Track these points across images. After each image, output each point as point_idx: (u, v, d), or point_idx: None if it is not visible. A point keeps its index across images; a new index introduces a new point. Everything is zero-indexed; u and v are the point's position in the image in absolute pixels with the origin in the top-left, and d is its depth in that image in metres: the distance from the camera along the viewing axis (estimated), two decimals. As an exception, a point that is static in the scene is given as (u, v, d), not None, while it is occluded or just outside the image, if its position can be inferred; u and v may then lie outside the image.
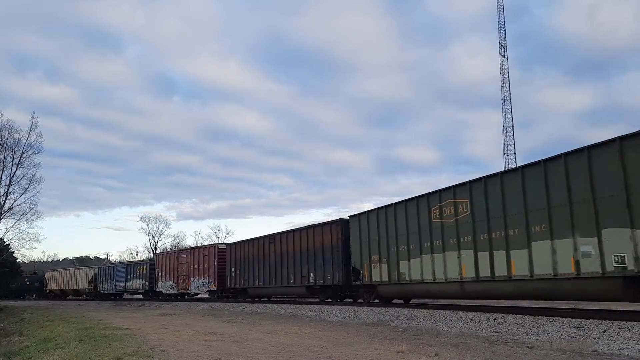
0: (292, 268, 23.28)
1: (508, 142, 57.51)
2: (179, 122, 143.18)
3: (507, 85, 57.47)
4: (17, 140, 35.16)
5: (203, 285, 30.81)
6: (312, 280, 21.86)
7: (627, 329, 9.10)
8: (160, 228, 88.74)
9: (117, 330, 13.14)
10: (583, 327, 9.87)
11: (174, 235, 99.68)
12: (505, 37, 58.14)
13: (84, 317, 20.57)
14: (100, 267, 46.64)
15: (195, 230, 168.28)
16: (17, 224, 35.56)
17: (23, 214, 35.52)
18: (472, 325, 11.92)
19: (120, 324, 15.41)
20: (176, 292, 33.86)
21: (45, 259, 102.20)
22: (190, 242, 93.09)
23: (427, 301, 19.70)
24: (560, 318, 11.05)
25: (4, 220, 35.19)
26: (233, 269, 28.37)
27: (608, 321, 10.00)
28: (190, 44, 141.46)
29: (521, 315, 12.08)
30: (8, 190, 34.79)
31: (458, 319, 12.87)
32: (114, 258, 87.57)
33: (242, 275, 27.49)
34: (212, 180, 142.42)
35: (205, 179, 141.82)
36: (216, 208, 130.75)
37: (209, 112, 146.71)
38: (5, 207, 34.61)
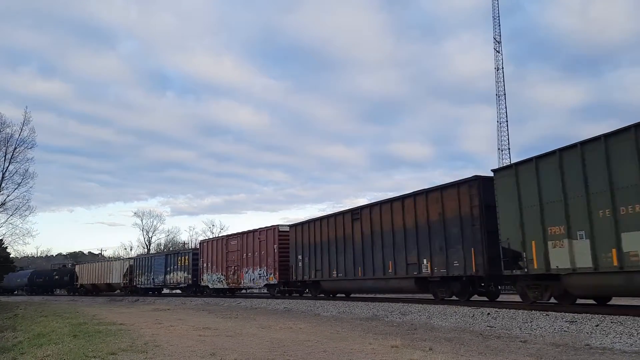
0: (391, 253, 17.16)
1: (502, 138, 57.62)
2: (173, 117, 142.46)
3: (502, 80, 57.55)
4: (9, 135, 34.94)
5: (259, 277, 25.36)
6: (425, 270, 15.76)
7: (619, 323, 9.17)
8: (155, 223, 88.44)
9: (111, 325, 13.11)
10: (576, 321, 9.93)
11: (168, 231, 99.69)
12: (500, 32, 58.17)
13: (77, 312, 20.51)
14: (136, 258, 41.64)
15: (190, 225, 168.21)
16: (10, 219, 35.41)
17: (16, 209, 35.35)
18: (466, 319, 11.97)
19: (114, 319, 15.38)
20: (225, 286, 28.64)
21: (38, 255, 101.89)
22: (184, 237, 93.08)
23: (424, 296, 18.33)
24: (553, 313, 11.12)
25: (-2, 216, 34.96)
26: (300, 257, 22.60)
27: (601, 315, 10.07)
28: (185, 39, 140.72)
29: (515, 310, 12.14)
30: (1, 185, 34.60)
31: (452, 313, 12.92)
32: (107, 254, 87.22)
33: (313, 264, 21.65)
34: (206, 175, 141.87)
35: (200, 174, 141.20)
36: (210, 203, 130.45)
37: (203, 107, 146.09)
38: (-1, 203, 34.37)
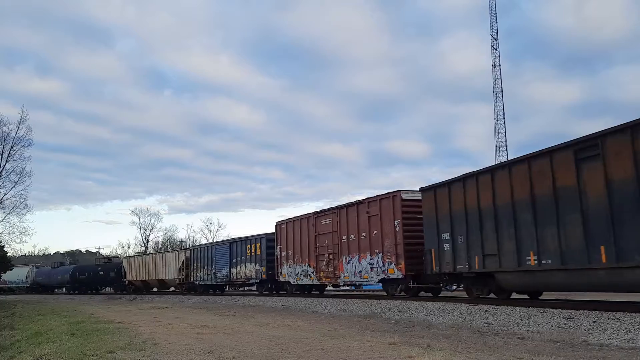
0: None
1: (500, 135, 57.74)
2: (170, 115, 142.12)
3: (499, 77, 57.63)
4: (6, 134, 34.84)
5: (371, 268, 17.62)
6: None
7: (616, 320, 9.20)
8: (152, 221, 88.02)
9: (109, 324, 13.10)
10: (573, 318, 9.96)
11: (165, 229, 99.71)
12: (497, 29, 58.20)
13: (75, 310, 20.49)
14: (194, 249, 34.35)
15: (187, 223, 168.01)
16: (7, 217, 35.30)
17: (13, 207, 35.26)
18: (464, 316, 12.00)
19: (112, 317, 15.37)
20: (314, 281, 21.38)
21: (36, 253, 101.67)
22: (182, 235, 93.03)
23: (422, 293, 18.07)
24: (550, 309, 11.14)
25: (-6, 214, 34.87)
26: (446, 236, 14.44)
27: (598, 312, 10.10)
28: (181, 37, 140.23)
29: (512, 307, 12.16)
30: (-3, 183, 34.45)
31: (450, 310, 12.95)
32: (105, 252, 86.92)
33: (478, 245, 13.33)
34: (203, 173, 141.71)
35: (197, 172, 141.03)
36: (208, 201, 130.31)
37: (200, 105, 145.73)
38: (-5, 201, 34.29)
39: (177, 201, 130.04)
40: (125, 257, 48.47)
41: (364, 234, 18.21)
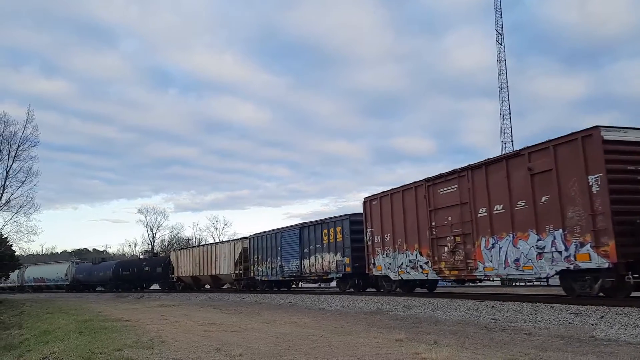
0: None
1: (505, 130, 57.45)
2: (175, 114, 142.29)
3: (504, 72, 57.30)
4: (13, 134, 34.98)
5: (540, 255, 11.96)
6: None
7: (624, 315, 9.15)
8: (158, 220, 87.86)
9: (116, 322, 13.17)
10: (581, 313, 9.91)
11: (172, 227, 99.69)
12: (502, 24, 57.87)
13: (83, 309, 20.62)
14: (253, 238, 28.41)
15: (194, 221, 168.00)
16: (14, 217, 35.45)
17: (20, 207, 35.39)
18: (471, 312, 11.98)
19: (119, 315, 15.45)
20: (431, 274, 15.64)
21: (43, 252, 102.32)
22: (188, 233, 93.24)
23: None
24: (558, 305, 11.10)
25: (2, 214, 35.11)
26: None
27: (605, 307, 10.04)
28: (186, 37, 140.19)
29: (519, 303, 12.13)
30: (5, 183, 34.66)
31: (456, 306, 12.92)
32: (112, 250, 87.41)
33: None
34: (209, 171, 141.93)
35: (202, 170, 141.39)
36: (214, 199, 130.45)
37: (205, 104, 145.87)
38: (3, 201, 34.52)
39: (183, 199, 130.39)
40: (173, 251, 42.94)
41: (522, 203, 12.55)
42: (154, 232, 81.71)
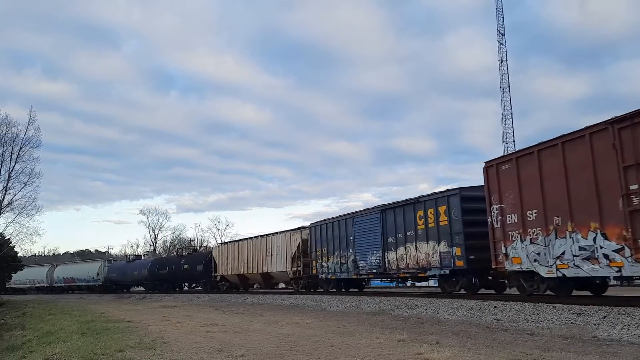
0: None
1: (507, 130, 57.38)
2: (177, 115, 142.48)
3: (506, 72, 57.22)
4: (15, 135, 34.99)
5: None
6: None
7: (627, 315, 9.14)
8: (160, 221, 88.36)
9: (119, 323, 13.18)
10: (583, 313, 9.90)
11: (174, 228, 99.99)
12: (503, 23, 57.81)
13: (85, 310, 20.63)
14: (316, 226, 23.25)
15: (196, 222, 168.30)
16: (17, 218, 35.48)
17: (23, 208, 35.40)
18: (473, 313, 11.97)
19: (122, 316, 15.46)
20: (609, 270, 10.44)
21: (46, 253, 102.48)
22: (190, 234, 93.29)
23: (427, 290, 18.77)
24: (560, 305, 11.08)
25: (4, 215, 35.14)
26: None
27: (608, 307, 10.03)
28: (187, 38, 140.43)
29: (521, 303, 12.11)
30: (7, 184, 34.68)
31: (458, 307, 12.91)
32: (114, 251, 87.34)
33: None
34: (211, 172, 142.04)
35: (204, 171, 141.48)
36: (215, 200, 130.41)
37: (207, 105, 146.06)
38: (5, 202, 34.57)
39: (185, 200, 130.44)
40: (215, 246, 37.51)
41: None
42: (156, 233, 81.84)
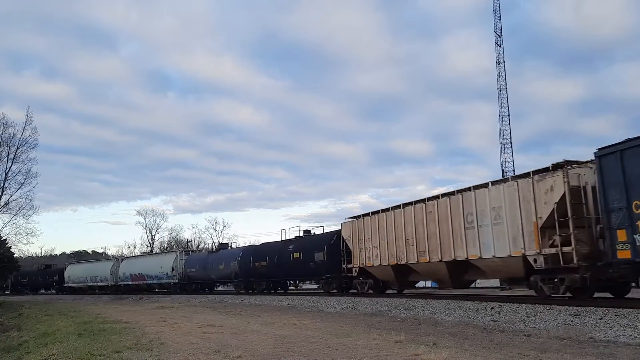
0: None
1: (504, 132, 57.38)
2: (175, 117, 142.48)
3: (504, 74, 57.23)
4: (12, 135, 35.11)
5: None
6: None
7: (623, 316, 9.16)
8: (158, 222, 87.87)
9: (115, 324, 13.14)
10: (580, 314, 9.92)
11: (171, 229, 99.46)
12: (501, 25, 57.85)
13: (82, 311, 20.56)
14: (613, 155, 11.00)
15: (193, 223, 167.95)
16: (13, 219, 35.51)
17: (19, 209, 35.49)
18: (470, 314, 11.97)
19: (118, 317, 15.41)
20: None
21: (42, 254, 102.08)
22: (187, 235, 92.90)
23: (423, 291, 18.85)
24: (557, 306, 11.11)
25: (1, 216, 35.16)
26: None
27: (605, 309, 10.06)
28: (185, 40, 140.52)
29: (518, 304, 12.14)
30: (4, 185, 34.79)
31: (455, 308, 12.92)
32: (111, 252, 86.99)
33: None
34: (209, 174, 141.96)
35: (202, 172, 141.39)
36: (213, 201, 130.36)
37: (204, 107, 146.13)
38: (2, 202, 34.65)
39: (182, 201, 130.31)
40: (347, 221, 22.00)
41: None
42: (153, 234, 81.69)
